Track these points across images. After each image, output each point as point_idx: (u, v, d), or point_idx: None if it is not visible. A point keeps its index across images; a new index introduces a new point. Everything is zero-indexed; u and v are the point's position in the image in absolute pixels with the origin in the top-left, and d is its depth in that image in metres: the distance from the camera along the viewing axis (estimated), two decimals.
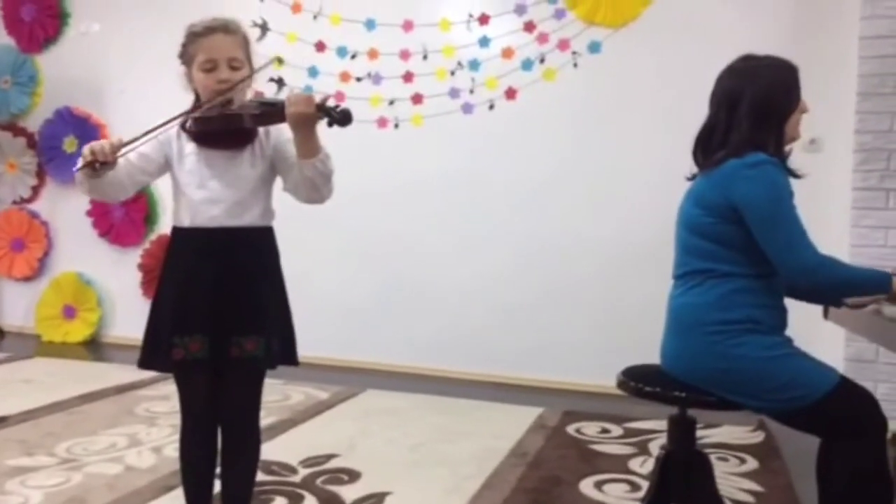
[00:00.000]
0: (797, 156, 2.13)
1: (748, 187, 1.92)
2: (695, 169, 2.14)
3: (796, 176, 2.05)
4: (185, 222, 1.98)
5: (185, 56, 1.99)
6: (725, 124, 2.02)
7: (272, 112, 1.90)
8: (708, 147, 2.07)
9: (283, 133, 2.00)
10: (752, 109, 1.99)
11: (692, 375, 2.01)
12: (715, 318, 1.97)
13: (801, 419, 1.93)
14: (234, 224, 1.95)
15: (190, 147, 1.97)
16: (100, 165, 1.80)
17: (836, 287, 1.95)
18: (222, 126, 1.92)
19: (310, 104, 1.84)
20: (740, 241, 1.96)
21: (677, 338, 2.07)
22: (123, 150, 1.84)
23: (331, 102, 1.87)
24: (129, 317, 4.91)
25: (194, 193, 1.96)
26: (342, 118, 1.84)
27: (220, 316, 1.93)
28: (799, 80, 2.05)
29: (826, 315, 2.27)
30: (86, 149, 1.81)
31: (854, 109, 3.44)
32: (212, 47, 1.94)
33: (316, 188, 1.96)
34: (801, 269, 1.89)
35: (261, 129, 2.00)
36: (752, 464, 3.03)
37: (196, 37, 1.96)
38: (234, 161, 1.97)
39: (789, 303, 2.06)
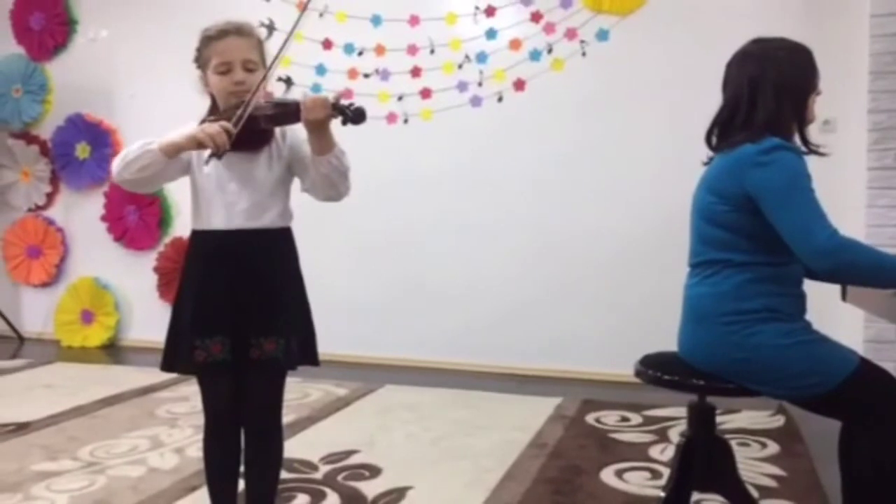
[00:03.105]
0: (813, 137, 2.12)
1: (761, 174, 1.89)
2: (709, 154, 2.11)
3: (820, 154, 2.03)
4: (204, 225, 1.99)
5: (200, 60, 2.00)
6: (748, 105, 1.99)
7: (286, 113, 1.91)
8: (729, 128, 2.04)
9: (298, 134, 2.00)
10: (776, 90, 1.97)
11: (710, 365, 2.00)
12: (731, 308, 1.95)
13: (822, 404, 1.91)
14: (253, 226, 1.96)
15: (208, 150, 1.98)
16: (217, 151, 1.83)
17: (857, 272, 1.87)
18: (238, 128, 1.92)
19: (326, 107, 1.85)
20: (755, 230, 1.93)
21: (694, 327, 2.05)
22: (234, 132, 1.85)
23: (344, 101, 1.88)
24: (147, 320, 4.97)
25: (213, 196, 1.97)
26: (356, 116, 1.85)
27: (240, 317, 1.94)
28: (815, 62, 2.04)
29: (844, 297, 2.24)
30: (204, 136, 1.82)
31: (867, 88, 3.41)
32: (226, 50, 1.94)
33: (333, 185, 1.96)
34: (817, 253, 1.83)
35: (277, 131, 2.01)
36: (773, 448, 3.03)
37: (210, 40, 1.96)
38: (251, 163, 1.97)
39: (808, 285, 2.04)
